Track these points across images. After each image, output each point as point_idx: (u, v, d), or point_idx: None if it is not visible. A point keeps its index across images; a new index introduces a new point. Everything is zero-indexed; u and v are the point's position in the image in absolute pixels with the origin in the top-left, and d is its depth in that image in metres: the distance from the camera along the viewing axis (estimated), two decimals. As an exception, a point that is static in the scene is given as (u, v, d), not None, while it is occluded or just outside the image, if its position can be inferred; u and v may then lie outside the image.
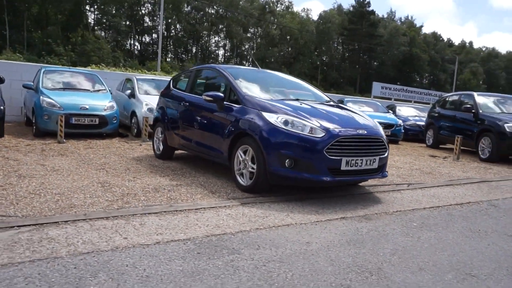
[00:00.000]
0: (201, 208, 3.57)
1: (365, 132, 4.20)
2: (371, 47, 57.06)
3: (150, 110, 8.85)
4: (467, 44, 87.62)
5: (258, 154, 4.10)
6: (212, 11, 57.58)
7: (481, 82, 78.97)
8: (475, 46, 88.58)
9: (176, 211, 3.42)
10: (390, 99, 20.64)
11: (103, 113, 8.40)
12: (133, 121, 9.41)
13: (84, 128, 8.21)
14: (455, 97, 11.71)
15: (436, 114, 11.80)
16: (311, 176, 3.92)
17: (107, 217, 3.10)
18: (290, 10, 65.73)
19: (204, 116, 5.13)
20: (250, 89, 4.80)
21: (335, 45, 61.79)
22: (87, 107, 8.24)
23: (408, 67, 62.78)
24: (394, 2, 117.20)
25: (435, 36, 79.13)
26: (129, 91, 9.82)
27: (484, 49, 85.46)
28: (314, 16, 73.97)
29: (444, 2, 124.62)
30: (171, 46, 58.26)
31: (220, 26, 57.26)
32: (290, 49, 53.92)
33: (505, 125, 8.88)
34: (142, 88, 9.88)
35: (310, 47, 56.28)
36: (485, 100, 10.41)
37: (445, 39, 79.97)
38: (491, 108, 10.18)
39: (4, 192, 3.68)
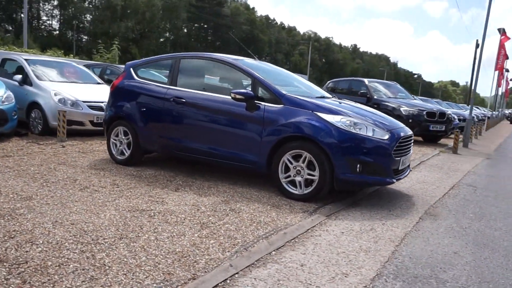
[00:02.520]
0: (308, 230, 3.15)
1: (408, 132, 4.35)
2: (216, 26, 58.04)
3: (62, 101, 7.15)
4: (292, 27, 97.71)
5: (322, 159, 3.81)
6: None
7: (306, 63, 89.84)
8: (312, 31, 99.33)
9: (295, 238, 2.94)
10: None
11: (2, 106, 6.40)
12: (33, 115, 7.43)
13: (-23, 128, 6.11)
14: (345, 83, 13.07)
15: (330, 98, 12.95)
16: (380, 179, 3.88)
17: (255, 265, 2.45)
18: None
19: (219, 116, 4.43)
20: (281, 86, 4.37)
21: (181, 23, 60.41)
22: (-21, 100, 6.14)
23: (249, 47, 66.37)
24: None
25: (268, 19, 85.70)
26: (20, 76, 7.67)
27: (310, 33, 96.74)
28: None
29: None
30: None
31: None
32: (137, 25, 50.06)
33: (401, 109, 10.41)
34: (36, 73, 7.84)
35: (158, 23, 53.57)
36: (374, 86, 11.94)
37: (278, 23, 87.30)
38: (379, 93, 11.74)
39: (54, 246, 2.50)
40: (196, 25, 61.88)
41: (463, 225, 3.61)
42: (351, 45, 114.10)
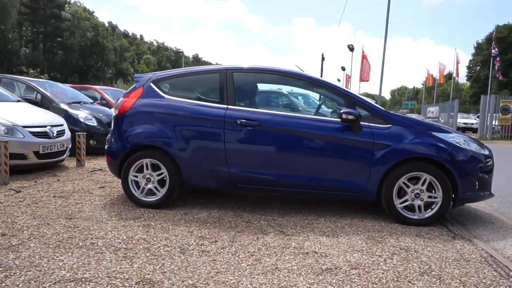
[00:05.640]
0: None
1: None
2: (55, 30, 51.03)
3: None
4: (138, 36, 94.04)
5: (445, 180, 3.66)
6: None
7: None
8: (145, 39, 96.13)
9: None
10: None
11: None
12: None
13: None
14: (263, 94, 13.14)
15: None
16: (487, 194, 3.92)
17: None
18: None
19: (312, 140, 3.81)
20: (374, 104, 4.04)
21: (10, 25, 50.77)
22: None
23: (95, 55, 60.63)
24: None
25: (112, 25, 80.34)
26: None
27: (154, 42, 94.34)
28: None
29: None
30: None
31: None
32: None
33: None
34: None
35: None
36: (292, 99, 12.32)
37: (122, 30, 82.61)
38: (299, 105, 12.17)
39: None
40: (34, 30, 53.04)
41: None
42: (193, 55, 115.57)
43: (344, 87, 4.31)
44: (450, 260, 2.86)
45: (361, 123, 3.77)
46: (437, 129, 3.84)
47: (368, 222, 3.77)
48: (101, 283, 2.35)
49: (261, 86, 5.17)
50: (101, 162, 6.94)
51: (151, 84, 4.26)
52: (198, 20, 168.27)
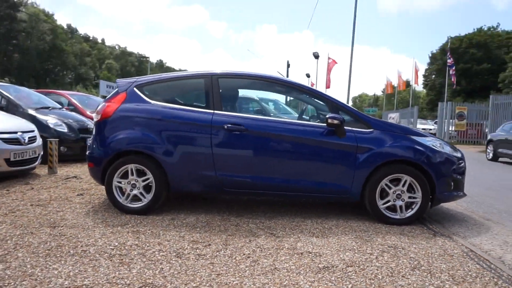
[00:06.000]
0: (490, 255, 3.16)
1: None
2: (13, 33, 48.71)
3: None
4: (100, 40, 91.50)
5: (424, 181, 3.87)
6: None
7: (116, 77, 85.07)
8: (107, 43, 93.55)
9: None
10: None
11: None
12: None
13: None
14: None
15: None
16: (460, 194, 4.17)
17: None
18: None
19: (298, 144, 3.91)
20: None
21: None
22: None
23: (53, 59, 58.32)
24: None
25: (71, 28, 77.90)
26: None
27: (116, 47, 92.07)
28: None
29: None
30: None
31: None
32: None
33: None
34: None
35: None
36: (262, 105, 12.48)
37: (82, 33, 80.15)
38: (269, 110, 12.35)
39: None
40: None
41: None
42: (157, 60, 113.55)
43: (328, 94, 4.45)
44: (436, 256, 3.04)
45: (345, 127, 3.92)
46: (415, 133, 4.06)
47: (353, 223, 3.91)
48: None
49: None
50: (74, 169, 6.73)
51: (135, 89, 4.22)
52: (161, 24, 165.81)
